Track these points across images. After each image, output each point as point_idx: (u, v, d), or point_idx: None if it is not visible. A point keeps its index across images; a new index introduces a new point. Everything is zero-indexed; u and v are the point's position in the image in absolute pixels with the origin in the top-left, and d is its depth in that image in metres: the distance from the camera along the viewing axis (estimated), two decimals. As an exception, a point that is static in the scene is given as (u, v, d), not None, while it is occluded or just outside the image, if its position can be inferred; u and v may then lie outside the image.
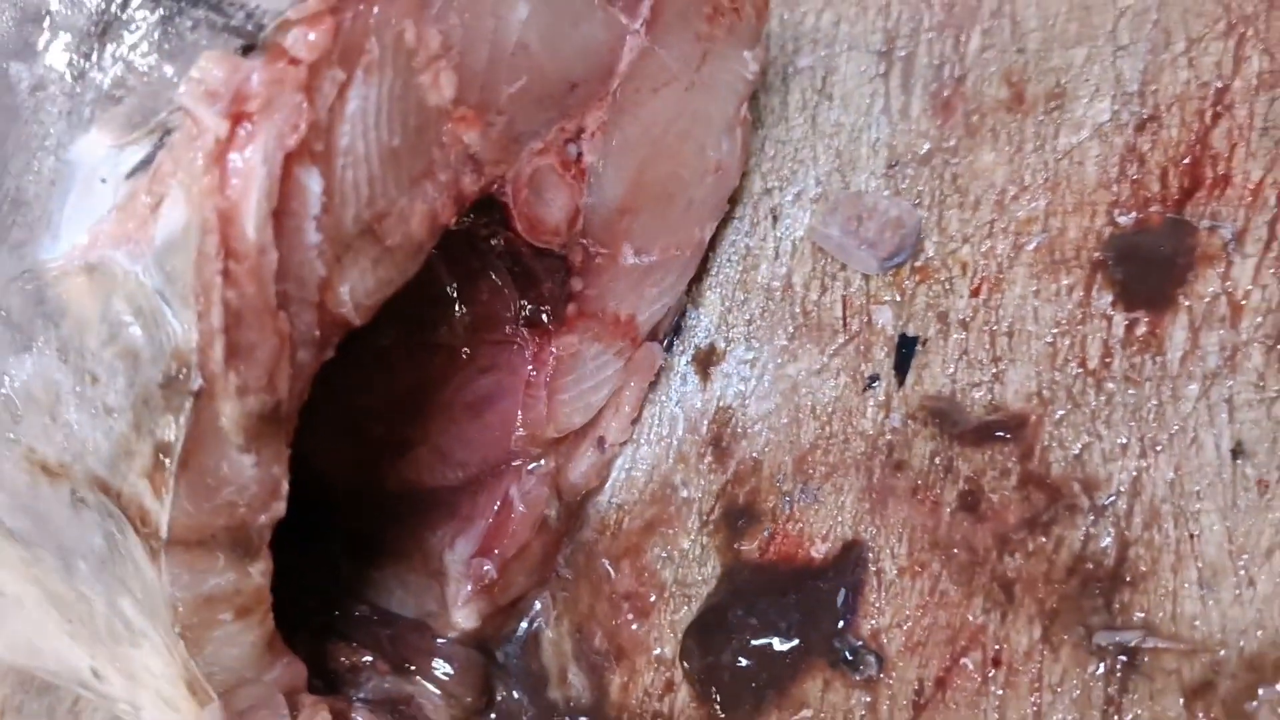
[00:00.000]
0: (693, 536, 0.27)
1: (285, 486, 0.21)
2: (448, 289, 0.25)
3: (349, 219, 0.20)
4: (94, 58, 0.21)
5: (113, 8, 0.21)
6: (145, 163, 0.20)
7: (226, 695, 0.23)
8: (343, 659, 0.25)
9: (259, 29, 0.19)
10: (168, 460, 0.19)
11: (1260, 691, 0.20)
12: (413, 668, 0.26)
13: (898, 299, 0.26)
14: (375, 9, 0.19)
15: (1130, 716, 0.20)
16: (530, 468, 0.27)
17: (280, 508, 0.21)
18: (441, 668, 0.26)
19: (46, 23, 0.21)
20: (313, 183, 0.19)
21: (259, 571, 0.21)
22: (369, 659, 0.26)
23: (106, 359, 0.20)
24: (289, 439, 0.21)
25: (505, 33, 0.21)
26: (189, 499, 0.21)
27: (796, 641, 0.25)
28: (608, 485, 0.29)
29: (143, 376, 0.20)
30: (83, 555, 0.23)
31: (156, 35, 0.20)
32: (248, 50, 0.19)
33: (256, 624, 0.22)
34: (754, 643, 0.25)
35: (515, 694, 0.26)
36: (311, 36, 0.19)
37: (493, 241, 0.25)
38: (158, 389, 0.19)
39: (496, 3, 0.21)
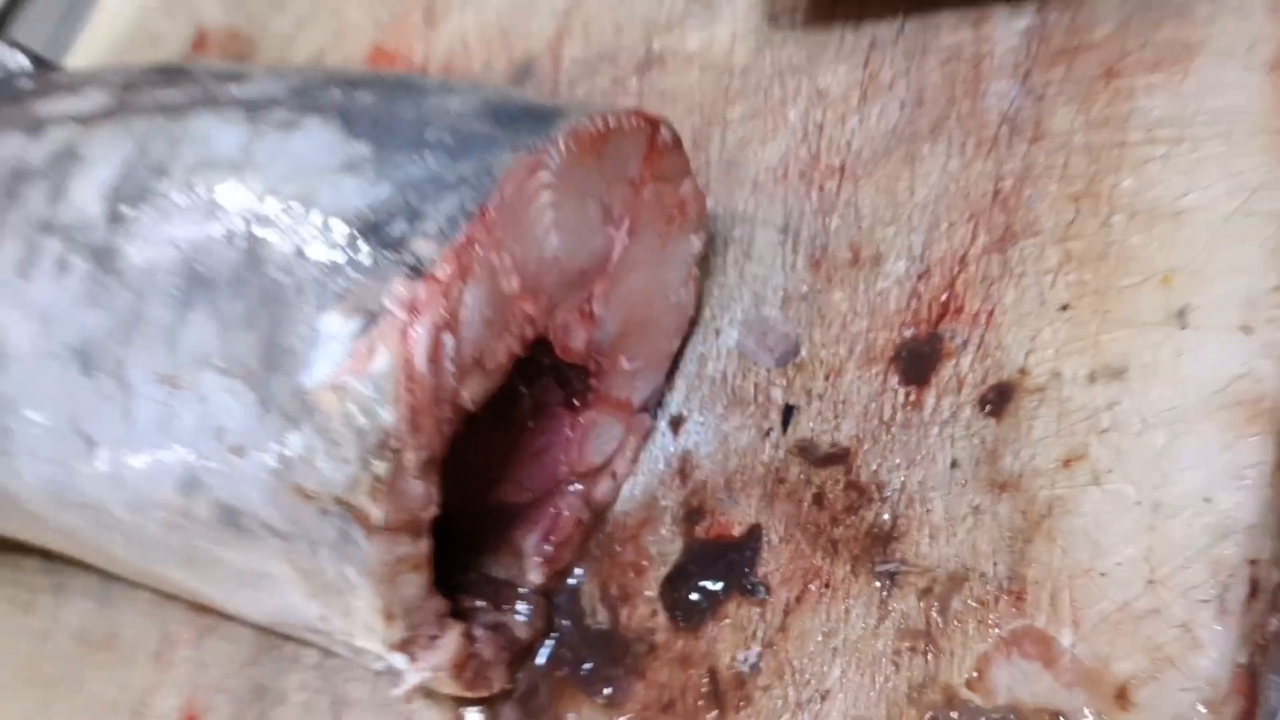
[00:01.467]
0: (668, 527, 0.42)
1: (437, 497, 0.38)
2: (519, 388, 0.42)
3: (467, 357, 0.37)
4: (331, 274, 0.38)
5: (344, 248, 0.38)
6: (362, 330, 0.37)
7: (405, 616, 0.40)
8: (464, 603, 0.42)
9: (420, 264, 0.36)
10: (380, 486, 0.36)
11: (958, 584, 0.36)
12: (506, 607, 0.42)
13: (784, 384, 0.42)
14: (478, 249, 0.36)
15: (890, 608, 0.36)
16: (570, 489, 0.43)
17: (434, 509, 0.38)
18: (523, 607, 0.42)
19: (306, 254, 0.38)
20: (449, 341, 0.36)
21: (424, 545, 0.38)
22: (481, 603, 0.42)
23: (345, 434, 0.37)
24: (439, 473, 0.37)
25: (546, 252, 0.38)
26: (390, 506, 0.37)
27: (723, 583, 0.40)
28: (619, 500, 0.45)
29: (366, 441, 0.36)
30: (324, 542, 0.40)
31: (367, 263, 0.38)
32: (414, 273, 0.37)
33: (423, 575, 0.39)
34: (699, 584, 0.41)
35: (565, 622, 0.42)
36: (448, 269, 0.36)
37: (544, 360, 0.42)
38: (375, 447, 0.36)
39: (539, 238, 0.38)
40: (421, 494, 0.36)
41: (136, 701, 0.51)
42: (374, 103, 0.42)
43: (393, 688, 0.40)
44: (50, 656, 0.56)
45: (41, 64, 0.65)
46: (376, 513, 0.36)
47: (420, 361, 0.34)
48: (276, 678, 0.48)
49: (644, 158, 0.40)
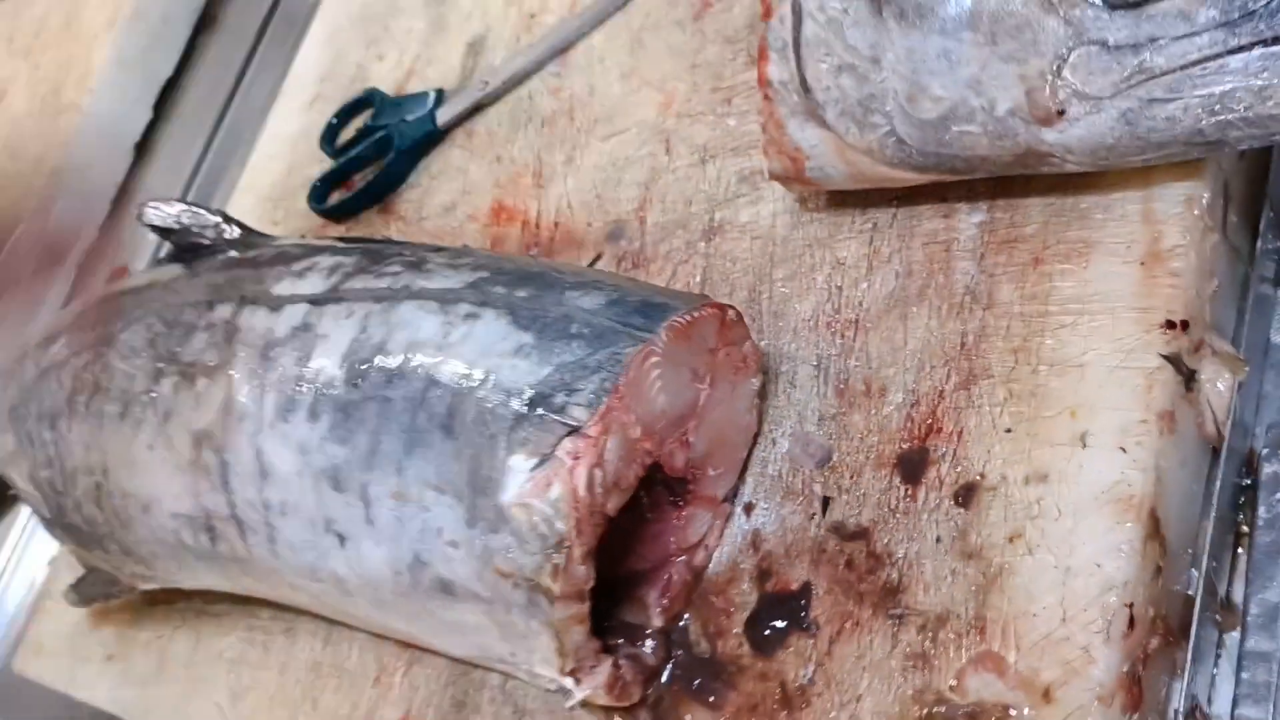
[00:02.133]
0: (746, 583, 0.59)
1: (593, 573, 0.55)
2: (641, 494, 0.59)
3: (610, 483, 0.54)
4: (515, 428, 0.55)
5: (523, 411, 0.56)
6: (538, 465, 0.55)
7: (574, 653, 0.57)
8: (610, 641, 0.59)
9: (579, 424, 0.53)
10: (558, 570, 0.53)
11: (943, 623, 0.52)
12: (639, 643, 0.59)
13: (822, 481, 0.59)
14: (614, 413, 0.53)
15: (899, 639, 0.53)
16: (678, 560, 0.61)
17: (592, 582, 0.55)
18: (650, 643, 0.60)
19: (496, 413, 0.56)
20: (598, 475, 0.53)
21: (586, 606, 0.55)
22: (621, 641, 0.59)
23: (532, 536, 0.54)
24: (595, 559, 0.54)
25: (656, 408, 0.55)
26: (563, 582, 0.55)
27: (787, 623, 0.57)
28: (710, 564, 0.62)
29: (547, 542, 0.54)
30: (516, 605, 0.57)
31: (539, 422, 0.55)
32: (575, 431, 0.54)
33: (584, 625, 0.56)
34: (770, 624, 0.58)
35: (679, 652, 0.59)
36: (597, 429, 0.53)
37: (657, 475, 0.59)
38: (554, 545, 0.53)
39: (652, 399, 0.55)
40: (584, 573, 0.53)
41: (366, 714, 0.69)
42: (528, 299, 0.59)
43: (564, 701, 0.57)
44: (290, 684, 0.74)
45: (248, 231, 0.83)
46: (555, 587, 0.53)
47: (581, 490, 0.52)
48: (471, 694, 0.65)
49: (717, 333, 0.57)
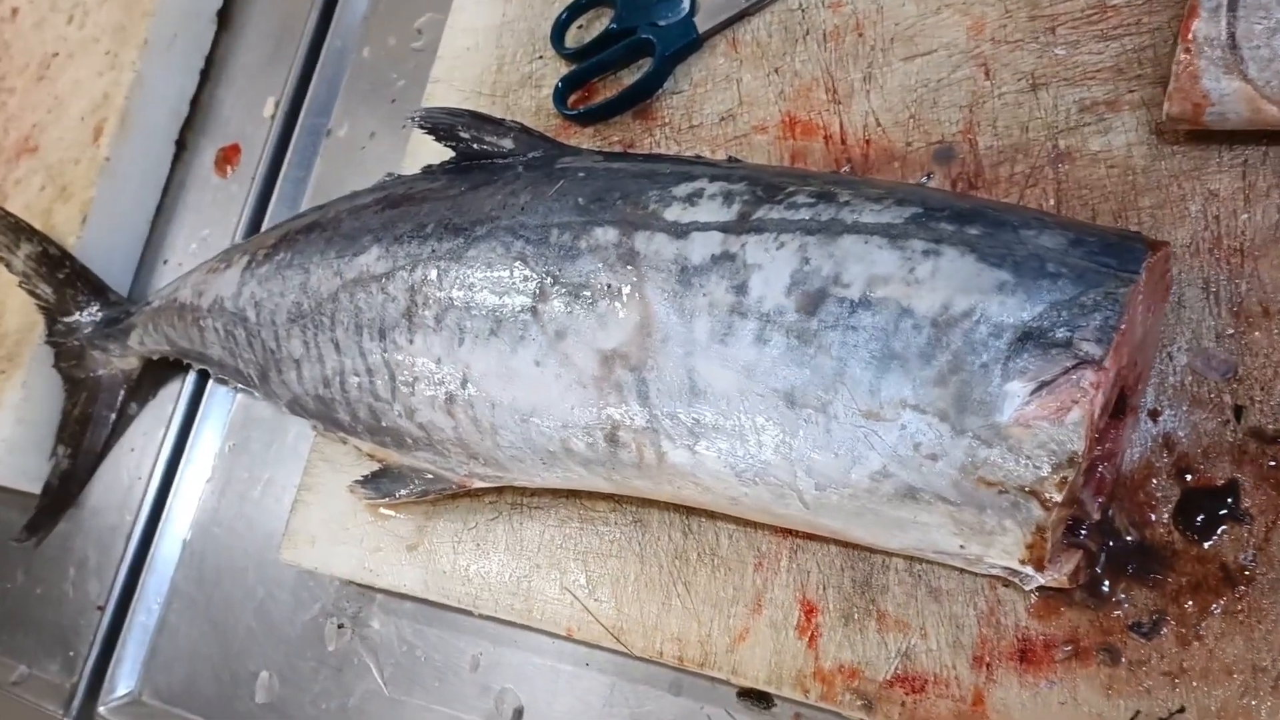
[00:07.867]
0: (1164, 481, 0.67)
1: (1082, 483, 0.61)
2: (1093, 409, 0.65)
3: (1106, 405, 0.60)
4: (1012, 357, 0.60)
5: (1020, 342, 0.60)
6: (1037, 391, 0.60)
7: (1050, 548, 0.64)
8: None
9: (1093, 358, 0.58)
10: (1066, 481, 0.59)
11: None
12: (1080, 534, 0.67)
13: (1230, 391, 0.67)
14: (1120, 347, 0.59)
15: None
16: (1102, 464, 0.68)
17: (1081, 489, 0.62)
18: (1086, 532, 0.67)
19: (989, 343, 0.61)
20: (1103, 399, 0.60)
21: (1069, 509, 0.62)
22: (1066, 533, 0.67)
23: (1039, 452, 0.59)
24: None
25: (1135, 339, 0.61)
26: (1068, 491, 0.61)
27: (1219, 513, 0.66)
28: (1124, 462, 0.70)
29: (1058, 458, 0.60)
30: (994, 507, 0.63)
31: (1040, 353, 0.60)
32: (1084, 363, 0.59)
33: (1063, 524, 0.62)
34: (1199, 514, 0.66)
35: (1110, 542, 0.67)
36: (1111, 361, 0.58)
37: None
38: (1065, 461, 0.59)
39: (1134, 330, 0.61)
40: (1080, 484, 0.60)
41: (753, 596, 0.75)
42: (983, 237, 0.63)
43: (1022, 585, 0.64)
44: (653, 571, 0.79)
45: (550, 142, 0.83)
46: (1058, 496, 0.59)
47: (1097, 414, 0.58)
48: (875, 576, 0.71)
49: (1162, 266, 0.63)
